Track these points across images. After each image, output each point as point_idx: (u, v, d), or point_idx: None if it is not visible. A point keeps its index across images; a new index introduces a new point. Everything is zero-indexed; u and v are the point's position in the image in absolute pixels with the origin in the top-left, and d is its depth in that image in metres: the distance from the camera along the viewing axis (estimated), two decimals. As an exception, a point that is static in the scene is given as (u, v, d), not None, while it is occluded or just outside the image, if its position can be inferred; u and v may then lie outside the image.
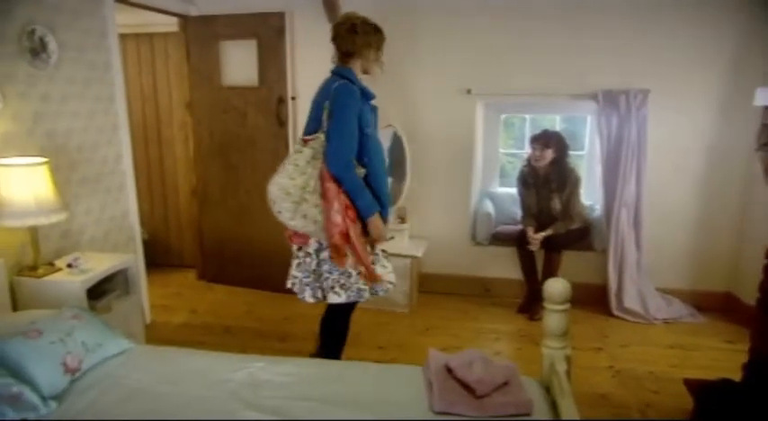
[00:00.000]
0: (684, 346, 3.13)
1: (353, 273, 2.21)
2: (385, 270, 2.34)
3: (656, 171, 3.54)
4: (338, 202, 2.10)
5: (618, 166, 3.49)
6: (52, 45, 2.66)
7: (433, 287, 3.94)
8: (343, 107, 2.11)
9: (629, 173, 3.49)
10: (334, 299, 2.22)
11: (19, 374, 1.66)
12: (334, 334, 2.50)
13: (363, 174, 2.19)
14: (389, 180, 2.62)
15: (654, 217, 3.61)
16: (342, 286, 2.21)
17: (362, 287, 2.23)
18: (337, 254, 2.14)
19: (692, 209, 3.61)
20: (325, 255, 2.21)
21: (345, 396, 1.75)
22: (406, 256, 3.61)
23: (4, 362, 1.68)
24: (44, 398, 1.64)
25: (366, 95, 2.24)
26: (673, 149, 3.54)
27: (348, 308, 2.42)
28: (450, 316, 3.58)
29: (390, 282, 2.35)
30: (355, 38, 2.22)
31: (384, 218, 2.29)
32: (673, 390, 2.60)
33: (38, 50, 2.58)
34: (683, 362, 2.93)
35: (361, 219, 2.19)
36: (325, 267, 2.22)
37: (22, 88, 2.53)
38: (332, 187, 2.10)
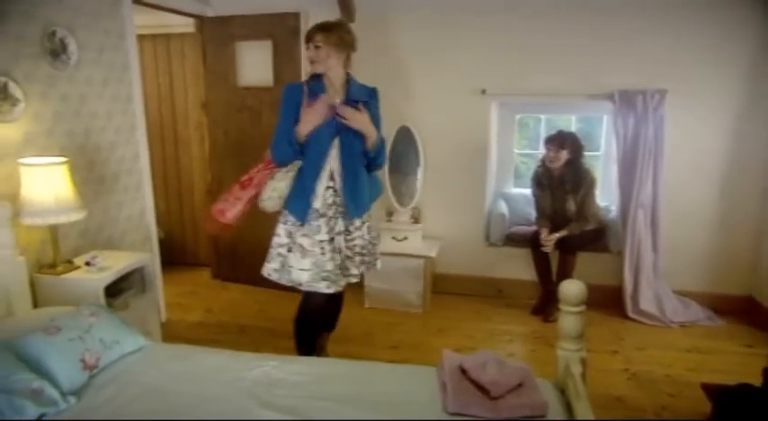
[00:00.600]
0: (702, 350, 3.08)
1: (288, 254, 2.34)
2: (296, 264, 2.34)
3: (674, 172, 3.50)
4: (243, 195, 2.40)
5: (634, 167, 3.45)
6: (72, 46, 2.70)
7: (446, 287, 3.93)
8: (280, 103, 2.33)
9: (646, 173, 3.45)
10: (264, 269, 2.42)
11: (39, 370, 1.70)
12: (296, 329, 2.56)
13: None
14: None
15: (671, 218, 3.56)
16: (271, 260, 2.40)
17: (289, 268, 2.34)
18: (227, 194, 2.44)
19: (711, 210, 3.56)
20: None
21: (358, 396, 1.75)
22: (419, 257, 3.61)
23: (25, 357, 1.72)
24: (63, 394, 1.67)
25: (312, 91, 2.29)
26: (691, 150, 3.49)
27: (311, 302, 2.47)
28: (464, 316, 3.57)
29: (297, 280, 2.35)
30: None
31: (302, 218, 2.33)
32: (690, 394, 2.57)
33: (58, 52, 2.63)
34: (701, 366, 2.89)
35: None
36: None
37: (43, 88, 2.58)
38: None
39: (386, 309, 3.67)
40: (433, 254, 3.66)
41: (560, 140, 3.43)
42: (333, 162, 2.33)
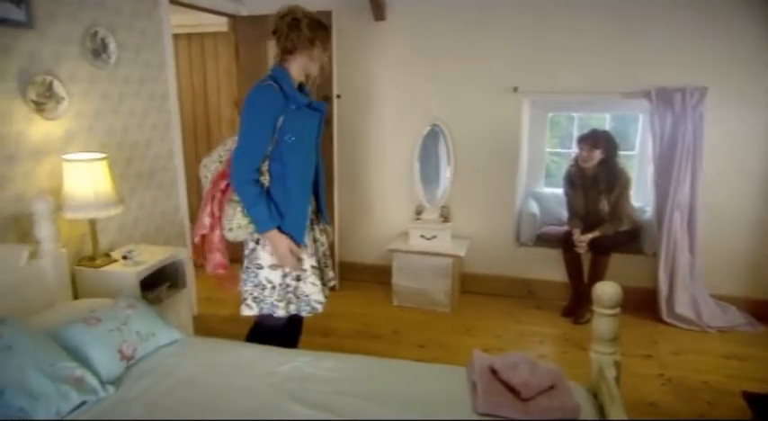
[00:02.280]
0: (741, 357, 2.98)
1: (268, 286, 2.07)
2: (314, 288, 2.09)
3: (713, 172, 3.39)
4: (216, 204, 2.03)
5: (671, 167, 3.35)
6: (112, 46, 2.78)
7: (475, 287, 3.90)
8: (253, 110, 1.92)
9: (684, 174, 3.35)
10: (245, 311, 2.10)
11: (80, 359, 1.75)
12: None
13: (266, 183, 1.99)
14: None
15: (709, 219, 3.45)
16: (254, 298, 2.08)
17: (277, 302, 2.06)
18: (195, 253, 2.16)
19: (752, 212, 3.43)
20: (246, 262, 2.11)
21: (388, 393, 1.75)
22: (448, 255, 3.59)
23: (67, 346, 1.78)
24: (102, 383, 1.72)
25: (292, 99, 1.95)
26: (731, 149, 3.37)
27: (272, 329, 2.18)
28: (493, 316, 3.54)
29: (319, 302, 2.10)
30: (297, 34, 1.94)
31: (295, 240, 2.01)
32: (729, 402, 2.48)
33: (99, 51, 2.71)
34: (740, 374, 2.79)
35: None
36: (243, 276, 2.11)
37: (85, 87, 2.66)
38: (221, 185, 2.03)
39: (414, 308, 3.67)
40: (461, 253, 3.63)
41: (594, 140, 3.37)
42: None
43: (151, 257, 2.69)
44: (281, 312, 2.08)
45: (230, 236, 2.03)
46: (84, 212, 2.42)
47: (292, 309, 2.10)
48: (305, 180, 2.06)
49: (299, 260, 2.04)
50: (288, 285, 2.09)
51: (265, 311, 2.09)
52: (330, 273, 2.29)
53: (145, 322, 2.02)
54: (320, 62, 2.02)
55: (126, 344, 1.89)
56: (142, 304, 2.14)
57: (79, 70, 2.62)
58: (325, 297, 2.15)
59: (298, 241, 2.03)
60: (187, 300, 3.03)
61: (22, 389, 1.54)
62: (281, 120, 1.93)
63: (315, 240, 2.17)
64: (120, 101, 2.90)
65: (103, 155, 2.52)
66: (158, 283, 2.80)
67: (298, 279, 2.09)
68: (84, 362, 1.74)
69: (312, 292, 2.10)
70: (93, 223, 2.57)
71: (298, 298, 2.10)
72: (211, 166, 2.11)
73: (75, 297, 2.51)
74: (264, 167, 1.99)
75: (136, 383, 1.79)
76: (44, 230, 2.30)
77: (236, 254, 2.16)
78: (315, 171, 2.14)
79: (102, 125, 2.79)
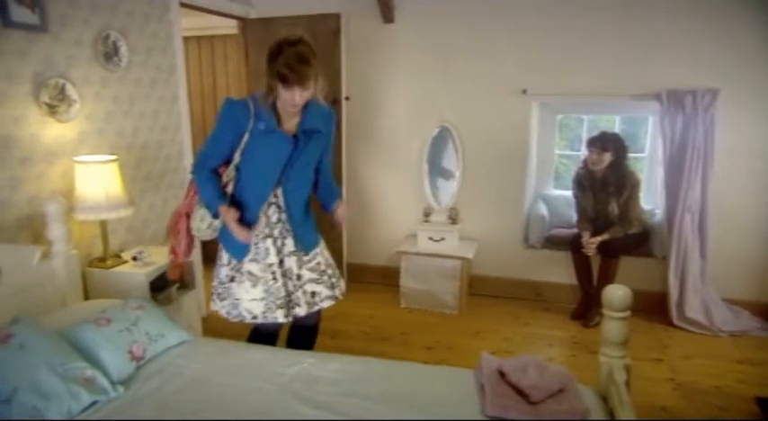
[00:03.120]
0: (755, 361, 2.94)
1: (230, 285, 2.09)
2: (247, 295, 2.05)
3: (725, 175, 3.35)
4: (182, 227, 2.15)
5: (682, 170, 3.32)
6: (123, 49, 2.81)
7: (483, 289, 3.89)
8: (217, 118, 1.97)
9: (694, 176, 3.32)
10: (212, 306, 2.16)
11: (90, 359, 1.77)
12: None
13: (231, 186, 2.02)
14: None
15: (721, 223, 3.41)
16: (218, 295, 2.12)
17: (236, 300, 2.07)
18: (169, 233, 2.21)
19: (765, 215, 3.39)
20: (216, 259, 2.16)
21: (395, 395, 1.75)
22: (456, 257, 3.58)
23: (78, 346, 1.79)
24: (113, 383, 1.74)
25: (261, 120, 1.92)
26: (743, 152, 3.34)
27: (260, 331, 2.24)
28: (501, 319, 3.53)
29: (249, 311, 2.05)
30: (268, 64, 1.86)
31: (248, 223, 2.01)
32: (741, 408, 2.46)
33: (111, 54, 2.74)
34: (753, 379, 2.76)
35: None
36: (213, 272, 2.18)
37: (97, 89, 2.69)
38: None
39: (421, 310, 3.66)
40: (470, 255, 3.62)
41: (603, 142, 3.35)
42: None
43: (161, 258, 2.70)
44: (222, 312, 2.12)
45: (197, 234, 2.10)
46: (95, 214, 2.44)
47: (226, 313, 2.11)
48: (259, 198, 2.03)
49: (247, 237, 2.01)
50: (223, 282, 2.11)
51: (228, 310, 2.11)
52: (326, 291, 2.18)
53: (154, 323, 2.03)
54: (289, 101, 1.87)
55: (136, 344, 1.90)
56: (152, 305, 2.16)
57: (91, 73, 2.65)
58: (278, 317, 2.06)
59: (236, 257, 2.07)
60: (196, 301, 3.05)
61: (35, 388, 1.55)
62: (246, 136, 1.93)
63: (282, 263, 2.07)
64: (130, 103, 2.93)
65: (114, 157, 2.55)
66: (168, 284, 2.81)
67: (232, 280, 2.08)
68: (94, 362, 1.76)
69: (243, 299, 2.06)
70: (103, 224, 2.59)
71: (228, 297, 2.09)
72: None
73: (86, 297, 2.53)
74: (232, 172, 2.02)
75: (146, 384, 1.81)
76: (56, 231, 2.33)
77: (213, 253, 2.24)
78: (303, 196, 2.09)
79: (113, 127, 2.81)
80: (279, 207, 2.05)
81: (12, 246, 2.24)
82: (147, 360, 1.93)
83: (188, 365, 1.92)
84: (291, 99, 1.86)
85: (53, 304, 2.29)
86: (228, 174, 2.02)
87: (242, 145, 1.95)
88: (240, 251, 2.05)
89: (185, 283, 2.93)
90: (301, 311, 2.11)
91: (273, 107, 1.95)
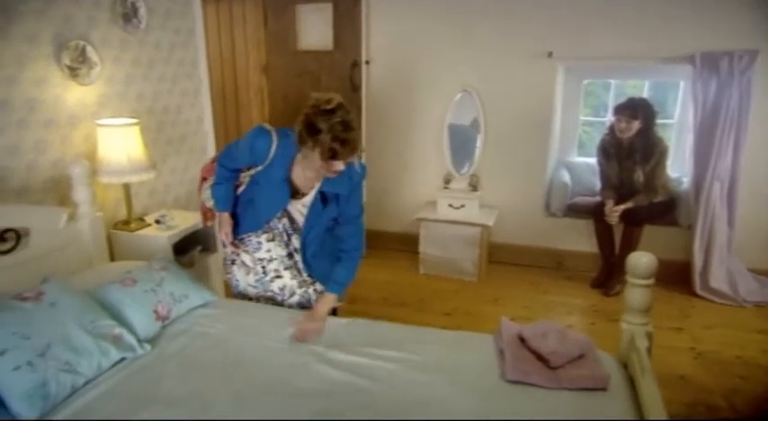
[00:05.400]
0: (778, 332, 2.91)
1: (232, 267, 2.13)
2: (243, 278, 2.10)
3: (758, 142, 3.23)
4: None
5: (713, 136, 3.21)
6: (142, 10, 2.77)
7: (502, 257, 3.87)
8: (244, 137, 1.91)
9: (726, 144, 3.21)
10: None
11: (117, 318, 1.81)
12: None
13: (244, 185, 2.01)
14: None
15: (750, 192, 3.32)
16: (225, 267, 2.19)
17: (236, 281, 2.14)
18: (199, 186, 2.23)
19: (797, 184, 3.28)
20: None
21: (414, 359, 1.76)
22: (476, 225, 3.56)
23: (106, 305, 1.84)
24: (140, 341, 1.79)
25: (275, 162, 1.83)
26: (779, 118, 3.21)
27: None
28: (520, 286, 3.52)
29: (248, 294, 2.11)
30: (303, 128, 1.66)
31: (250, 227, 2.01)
32: (763, 378, 2.44)
33: (130, 16, 2.71)
34: (776, 349, 2.73)
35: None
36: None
37: (116, 53, 2.67)
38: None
39: (440, 277, 3.67)
40: (490, 222, 3.60)
41: (633, 109, 3.22)
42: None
43: (183, 222, 2.74)
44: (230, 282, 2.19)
45: (206, 203, 2.14)
46: (118, 177, 2.47)
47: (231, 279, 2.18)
48: (265, 212, 1.98)
49: (234, 245, 2.05)
50: (226, 262, 2.16)
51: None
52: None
53: (178, 284, 2.07)
54: (316, 170, 1.74)
55: (161, 304, 1.94)
56: (175, 266, 2.20)
57: (111, 35, 2.63)
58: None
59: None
60: (218, 264, 3.09)
61: (67, 343, 1.60)
62: (259, 167, 1.87)
63: (291, 257, 2.03)
64: (150, 67, 2.91)
65: (135, 120, 2.55)
66: (190, 247, 2.85)
67: (233, 263, 2.13)
68: (121, 321, 1.80)
69: (242, 281, 2.12)
70: (127, 188, 2.62)
71: (231, 274, 2.15)
72: None
73: (111, 259, 2.58)
74: (246, 179, 2.00)
75: (171, 342, 1.85)
76: (81, 194, 2.36)
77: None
78: (318, 237, 1.99)
79: (134, 91, 2.81)
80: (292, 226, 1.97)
81: (40, 208, 2.29)
82: (171, 320, 1.97)
83: (212, 325, 1.96)
84: (336, 168, 1.69)
85: (80, 265, 2.34)
86: (243, 178, 2.02)
87: (256, 169, 1.91)
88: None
89: (207, 246, 2.97)
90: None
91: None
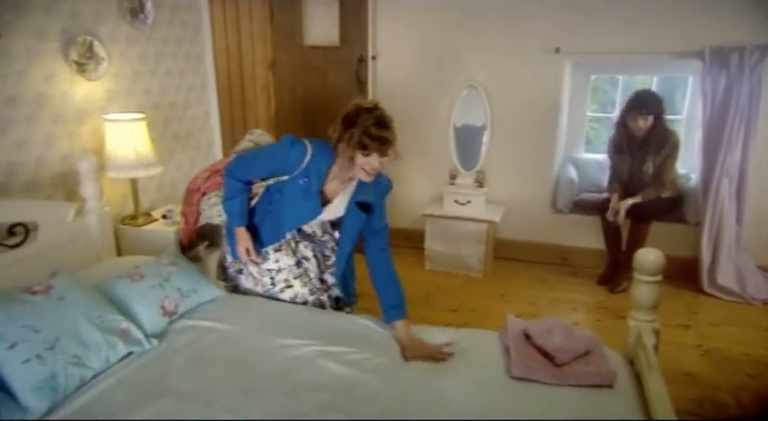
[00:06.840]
0: (787, 330, 2.89)
1: (239, 276, 2.19)
2: (252, 288, 2.16)
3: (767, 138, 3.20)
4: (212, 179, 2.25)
5: (722, 132, 3.18)
6: (149, 5, 2.78)
7: (508, 253, 3.86)
8: (272, 145, 2.04)
9: (735, 140, 3.18)
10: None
11: (125, 313, 1.82)
12: None
13: (257, 197, 2.04)
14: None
15: (760, 189, 3.28)
16: (225, 276, 2.28)
17: (245, 288, 2.19)
18: (184, 199, 2.32)
19: (808, 181, 3.25)
20: None
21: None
22: (482, 221, 3.55)
23: (114, 300, 1.85)
24: (147, 336, 1.80)
25: (307, 174, 1.86)
26: (790, 114, 3.17)
27: None
28: (526, 283, 3.51)
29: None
30: (343, 128, 1.75)
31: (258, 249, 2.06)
32: (771, 376, 2.42)
33: (137, 11, 2.71)
34: (785, 347, 2.71)
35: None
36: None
37: (123, 48, 2.68)
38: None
39: (446, 272, 3.67)
40: (496, 218, 3.59)
41: (648, 107, 3.15)
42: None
43: (190, 217, 2.74)
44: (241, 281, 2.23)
45: (206, 218, 2.26)
46: (125, 172, 2.48)
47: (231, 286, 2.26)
48: (273, 239, 2.05)
49: (255, 262, 2.08)
50: (230, 271, 2.23)
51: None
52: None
53: (186, 279, 2.08)
54: (367, 167, 1.77)
55: (168, 299, 1.95)
56: (183, 261, 2.21)
57: (117, 31, 2.63)
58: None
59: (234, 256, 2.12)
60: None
61: (75, 337, 1.62)
62: (285, 177, 1.90)
63: (327, 257, 2.13)
64: (157, 62, 2.92)
65: (142, 115, 2.56)
66: (197, 243, 2.86)
67: (240, 271, 2.18)
68: (129, 315, 1.82)
69: (251, 288, 2.17)
70: (134, 183, 2.63)
71: (236, 281, 2.23)
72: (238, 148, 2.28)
73: (119, 254, 2.60)
74: (261, 190, 2.02)
75: (178, 337, 1.86)
76: (89, 189, 2.38)
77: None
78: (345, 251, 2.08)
79: (141, 86, 2.82)
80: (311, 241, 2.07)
81: (48, 202, 2.31)
82: (179, 315, 1.98)
83: (219, 320, 1.96)
84: (370, 164, 1.75)
85: (87, 259, 2.35)
86: (258, 189, 2.03)
87: (278, 179, 1.93)
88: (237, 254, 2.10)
89: (213, 242, 2.97)
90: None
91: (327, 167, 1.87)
